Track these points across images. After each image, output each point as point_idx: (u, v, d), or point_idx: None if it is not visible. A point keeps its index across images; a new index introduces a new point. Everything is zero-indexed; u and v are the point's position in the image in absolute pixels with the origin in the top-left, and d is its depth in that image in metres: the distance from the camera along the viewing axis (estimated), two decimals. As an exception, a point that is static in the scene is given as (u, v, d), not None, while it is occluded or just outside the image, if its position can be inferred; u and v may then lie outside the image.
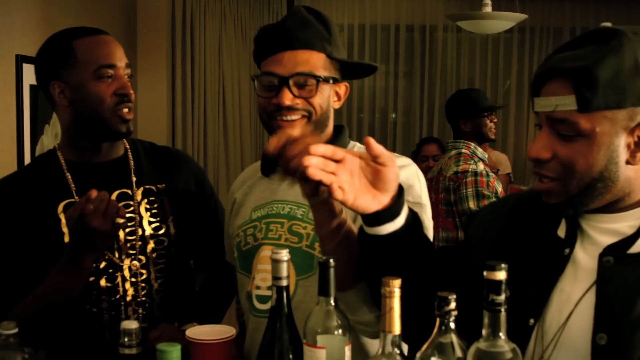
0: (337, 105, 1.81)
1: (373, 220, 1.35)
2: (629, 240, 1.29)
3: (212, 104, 6.02)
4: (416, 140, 5.64)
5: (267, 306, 1.70)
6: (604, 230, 1.32)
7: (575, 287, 1.31)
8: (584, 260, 1.32)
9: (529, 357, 1.33)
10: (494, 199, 3.68)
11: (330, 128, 1.81)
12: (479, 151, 3.89)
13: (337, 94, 1.80)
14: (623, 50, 1.24)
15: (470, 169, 3.75)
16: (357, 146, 1.82)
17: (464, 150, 3.87)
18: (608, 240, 1.31)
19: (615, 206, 1.32)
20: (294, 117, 1.70)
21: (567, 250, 1.34)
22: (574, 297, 1.30)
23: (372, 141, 1.29)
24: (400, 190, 1.36)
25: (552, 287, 1.33)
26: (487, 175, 3.77)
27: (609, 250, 1.29)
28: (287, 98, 1.69)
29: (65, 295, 1.73)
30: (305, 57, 1.71)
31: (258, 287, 1.76)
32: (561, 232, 1.37)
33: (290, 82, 1.69)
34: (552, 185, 1.31)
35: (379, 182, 1.32)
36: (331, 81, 1.75)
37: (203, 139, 6.05)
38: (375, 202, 1.33)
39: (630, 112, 1.25)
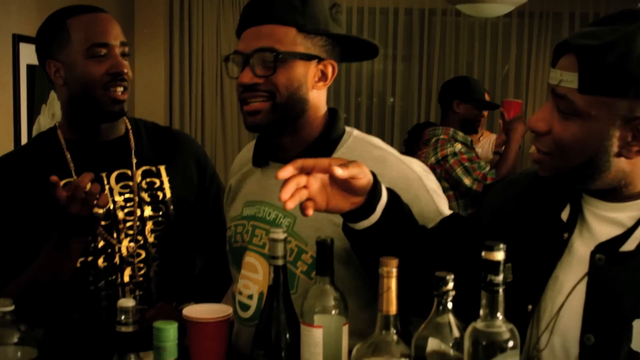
0: (322, 87, 1.62)
1: (348, 217, 1.37)
2: (622, 237, 1.26)
3: (209, 85, 5.99)
4: (414, 124, 5.64)
5: (247, 314, 1.67)
6: (604, 219, 1.29)
7: (569, 277, 1.29)
8: (580, 250, 1.29)
9: (526, 345, 1.32)
10: (483, 165, 3.75)
11: (319, 111, 1.65)
12: (460, 135, 3.91)
13: (322, 73, 1.61)
14: (639, 37, 1.17)
15: (448, 152, 3.80)
16: (353, 135, 1.68)
17: (442, 137, 3.91)
18: (605, 229, 1.28)
19: (616, 195, 1.28)
20: (256, 100, 1.57)
21: (566, 235, 1.31)
22: (566, 287, 1.29)
23: (335, 169, 1.24)
24: (375, 185, 1.34)
25: (549, 273, 1.31)
26: (467, 151, 3.83)
27: (601, 247, 1.26)
28: (246, 77, 1.56)
29: (54, 275, 1.72)
30: (268, 31, 1.56)
31: (240, 293, 1.70)
32: (564, 215, 1.34)
33: (252, 60, 1.55)
34: (543, 158, 1.30)
35: (350, 189, 1.31)
36: (304, 58, 1.57)
37: (200, 120, 6.02)
38: (347, 203, 1.33)
39: (632, 103, 1.19)
